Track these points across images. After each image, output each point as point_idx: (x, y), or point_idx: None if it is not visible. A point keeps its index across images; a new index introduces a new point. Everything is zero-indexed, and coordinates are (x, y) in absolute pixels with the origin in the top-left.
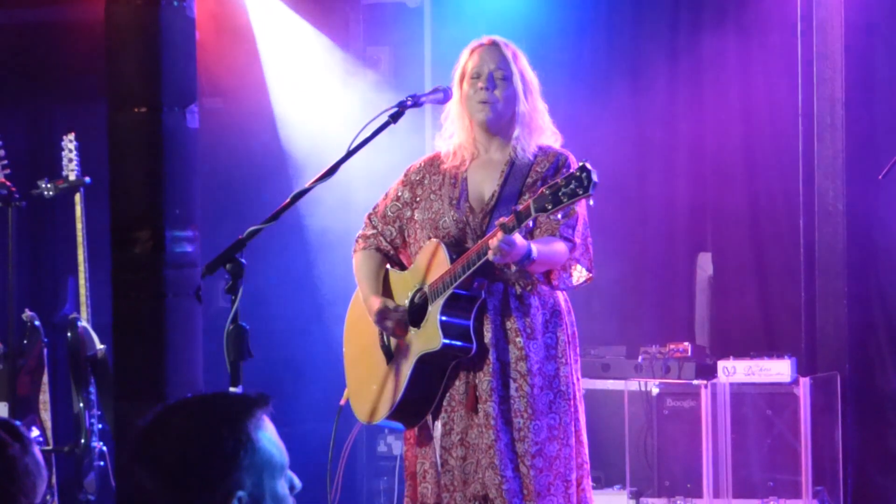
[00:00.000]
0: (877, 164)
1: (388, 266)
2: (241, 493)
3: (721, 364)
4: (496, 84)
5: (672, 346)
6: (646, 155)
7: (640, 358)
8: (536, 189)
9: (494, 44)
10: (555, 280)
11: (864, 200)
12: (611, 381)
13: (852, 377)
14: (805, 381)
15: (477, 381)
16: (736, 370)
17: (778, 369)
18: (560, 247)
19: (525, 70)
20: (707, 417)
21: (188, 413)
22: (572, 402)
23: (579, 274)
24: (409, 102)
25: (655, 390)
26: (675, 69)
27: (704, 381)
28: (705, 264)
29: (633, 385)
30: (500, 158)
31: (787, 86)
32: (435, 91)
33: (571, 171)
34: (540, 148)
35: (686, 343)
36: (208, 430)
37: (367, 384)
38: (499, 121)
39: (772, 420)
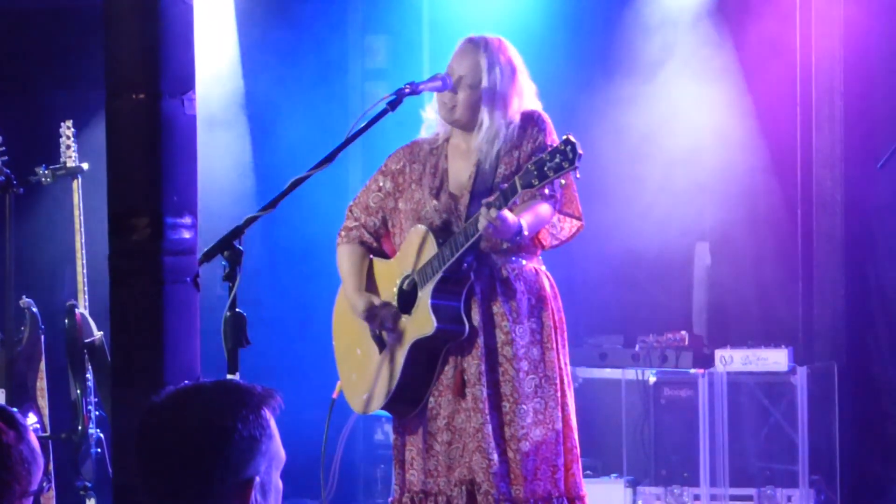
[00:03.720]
0: (875, 154)
1: (371, 256)
2: (258, 478)
3: (718, 353)
4: (459, 89)
5: (669, 336)
6: (643, 144)
7: (637, 347)
8: (515, 159)
9: (471, 44)
10: (545, 238)
11: (862, 190)
12: (608, 370)
13: (849, 366)
14: (802, 371)
15: (465, 364)
16: (733, 359)
17: (775, 358)
18: (545, 209)
19: (499, 77)
20: (704, 406)
21: (208, 396)
22: (559, 387)
23: (570, 225)
24: (407, 90)
25: (653, 379)
26: (674, 59)
27: (701, 371)
28: (703, 254)
29: (630, 374)
30: (477, 145)
31: (785, 75)
32: (433, 79)
33: (544, 129)
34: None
35: (683, 332)
36: (233, 413)
37: (361, 375)
38: (463, 124)
39: (769, 409)
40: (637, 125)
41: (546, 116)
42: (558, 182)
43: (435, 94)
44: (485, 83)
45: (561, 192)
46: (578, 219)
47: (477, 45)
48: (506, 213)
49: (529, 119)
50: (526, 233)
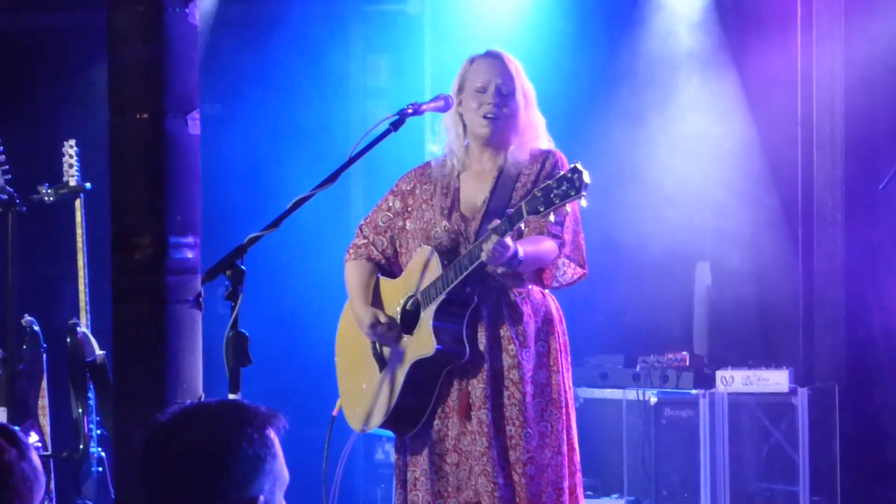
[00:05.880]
0: (876, 174)
1: (378, 275)
2: (262, 498)
3: (719, 374)
4: (504, 100)
5: (670, 356)
6: (645, 164)
7: (638, 367)
8: (528, 191)
9: (499, 57)
10: (547, 279)
11: (864, 211)
12: (609, 390)
13: (850, 388)
14: (803, 392)
15: (470, 388)
16: (734, 380)
17: (776, 379)
18: (548, 245)
19: (525, 84)
20: (705, 427)
21: (214, 415)
22: (564, 410)
23: (573, 271)
24: (409, 110)
25: (653, 399)
26: (676, 80)
27: (702, 391)
28: (704, 274)
29: (631, 394)
30: (491, 168)
31: (786, 95)
32: (436, 99)
33: (560, 168)
34: (530, 151)
35: (684, 352)
36: (238, 432)
37: (361, 392)
38: (500, 135)
39: (769, 430)
40: (638, 146)
41: (562, 155)
42: (563, 216)
43: (453, 115)
44: (519, 89)
45: (573, 236)
46: (582, 266)
47: (501, 57)
48: (506, 238)
49: (547, 156)
50: (521, 258)
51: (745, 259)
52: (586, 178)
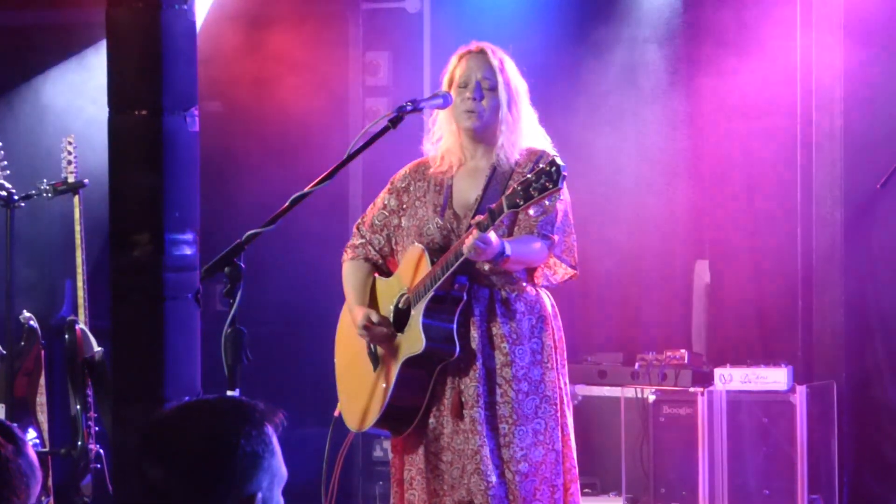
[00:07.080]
0: (875, 172)
1: (375, 275)
2: (260, 494)
3: (717, 372)
4: (483, 94)
5: (669, 354)
6: (644, 162)
7: (636, 365)
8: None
9: (482, 52)
10: (538, 278)
11: (862, 209)
12: (607, 388)
13: (849, 386)
14: (801, 390)
15: (463, 386)
16: (732, 378)
17: (774, 377)
18: (537, 245)
19: (511, 78)
20: (703, 425)
21: (211, 411)
22: (559, 407)
23: (564, 271)
24: (408, 107)
25: (652, 397)
26: (674, 76)
27: (701, 389)
28: (703, 272)
29: (629, 392)
30: (485, 165)
31: (785, 93)
32: (435, 96)
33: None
34: (525, 150)
35: (683, 350)
36: (236, 428)
37: (357, 392)
38: (485, 129)
39: (768, 428)
40: (636, 142)
41: (551, 154)
42: (554, 216)
43: (446, 112)
44: (501, 83)
45: (564, 237)
46: (573, 268)
47: (484, 51)
48: (490, 234)
49: (541, 156)
50: (508, 254)
51: (744, 257)
52: (563, 171)
